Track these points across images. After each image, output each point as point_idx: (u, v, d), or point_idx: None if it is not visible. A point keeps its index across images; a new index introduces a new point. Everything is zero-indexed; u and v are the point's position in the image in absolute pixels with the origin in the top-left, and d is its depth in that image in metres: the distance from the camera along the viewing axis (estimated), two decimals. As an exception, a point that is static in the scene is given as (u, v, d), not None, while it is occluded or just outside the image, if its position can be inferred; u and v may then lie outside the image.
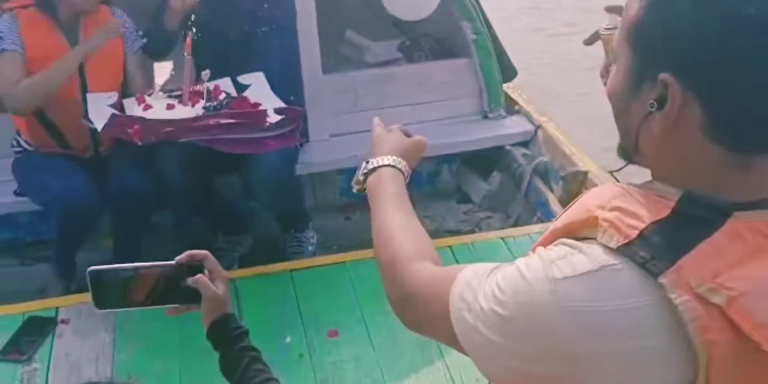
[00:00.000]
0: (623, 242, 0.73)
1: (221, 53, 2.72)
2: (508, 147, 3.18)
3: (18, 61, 2.59)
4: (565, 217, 0.81)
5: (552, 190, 2.97)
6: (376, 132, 1.24)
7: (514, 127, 3.23)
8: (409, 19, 3.19)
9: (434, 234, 3.06)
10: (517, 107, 3.33)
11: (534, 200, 3.04)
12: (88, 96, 2.60)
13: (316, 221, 3.06)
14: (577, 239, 0.77)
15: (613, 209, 0.76)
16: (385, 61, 3.42)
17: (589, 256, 0.74)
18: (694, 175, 0.77)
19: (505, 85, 3.32)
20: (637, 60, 0.79)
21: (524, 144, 3.20)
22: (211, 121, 2.38)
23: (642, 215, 0.74)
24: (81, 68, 2.63)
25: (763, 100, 0.73)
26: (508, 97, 3.35)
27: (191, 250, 1.35)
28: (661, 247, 0.71)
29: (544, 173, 3.05)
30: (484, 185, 3.29)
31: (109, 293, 1.33)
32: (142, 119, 2.40)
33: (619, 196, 0.77)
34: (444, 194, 3.37)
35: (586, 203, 0.79)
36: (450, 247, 2.47)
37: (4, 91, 2.60)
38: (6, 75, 2.58)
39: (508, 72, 3.31)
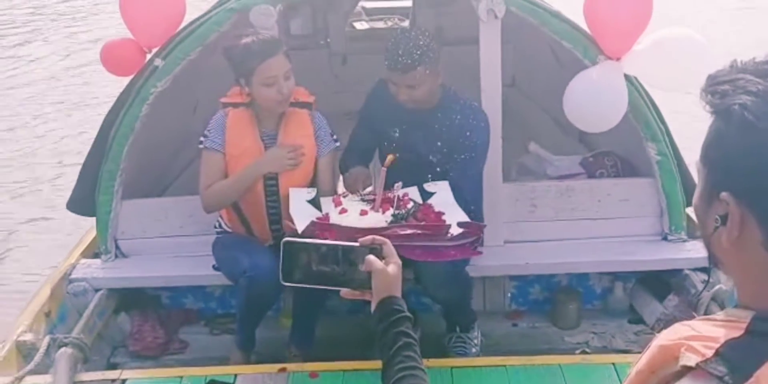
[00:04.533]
0: (701, 360, 0.79)
1: (417, 170, 2.86)
2: (686, 271, 3.11)
3: (217, 160, 2.86)
4: (645, 358, 0.87)
5: (730, 320, 2.85)
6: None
7: (694, 251, 3.15)
8: (590, 130, 3.25)
9: (601, 352, 3.01)
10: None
11: (710, 328, 2.92)
12: (291, 191, 2.80)
13: (482, 325, 3.11)
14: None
15: (688, 338, 0.82)
16: (567, 174, 3.50)
17: None
18: (762, 287, 0.83)
19: (688, 209, 3.28)
20: (708, 177, 0.87)
21: (704, 270, 3.11)
22: (398, 232, 2.51)
23: (717, 337, 0.80)
24: None
25: None
26: (691, 221, 3.29)
27: (374, 235, 1.41)
28: (737, 361, 0.77)
29: (722, 302, 2.94)
30: (659, 307, 3.20)
31: (296, 267, 1.38)
32: (337, 227, 2.56)
33: (692, 329, 0.84)
34: (615, 312, 3.31)
35: (662, 341, 0.85)
36: (613, 364, 2.43)
37: (200, 190, 2.89)
38: (204, 175, 2.87)
39: (692, 196, 3.26)
